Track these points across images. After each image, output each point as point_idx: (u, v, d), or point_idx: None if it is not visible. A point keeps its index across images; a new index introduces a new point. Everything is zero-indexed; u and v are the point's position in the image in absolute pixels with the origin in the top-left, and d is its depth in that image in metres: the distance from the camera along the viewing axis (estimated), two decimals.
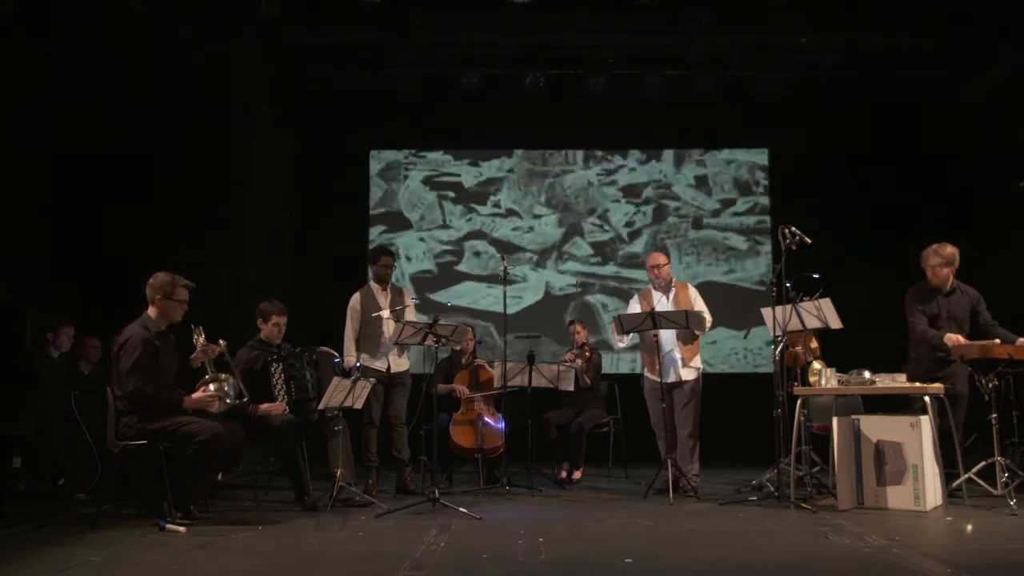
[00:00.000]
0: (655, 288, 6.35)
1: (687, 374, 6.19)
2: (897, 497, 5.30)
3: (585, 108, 9.12)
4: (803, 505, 5.31)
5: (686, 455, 6.11)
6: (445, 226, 9.58)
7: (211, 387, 4.99)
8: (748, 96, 8.84)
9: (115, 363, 4.94)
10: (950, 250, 5.85)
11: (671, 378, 6.15)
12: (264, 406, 5.48)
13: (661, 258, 6.39)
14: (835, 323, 5.67)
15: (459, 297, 9.38)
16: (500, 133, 9.61)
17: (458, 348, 6.86)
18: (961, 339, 5.61)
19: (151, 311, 5.08)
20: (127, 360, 4.87)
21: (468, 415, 6.72)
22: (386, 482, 6.34)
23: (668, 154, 9.65)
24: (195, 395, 4.98)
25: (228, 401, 5.02)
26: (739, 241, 9.50)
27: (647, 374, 6.32)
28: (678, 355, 6.18)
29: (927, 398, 5.35)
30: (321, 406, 5.49)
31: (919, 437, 5.30)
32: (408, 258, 9.48)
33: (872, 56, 8.55)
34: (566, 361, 6.89)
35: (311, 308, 8.60)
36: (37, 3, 6.59)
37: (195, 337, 5.08)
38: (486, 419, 6.68)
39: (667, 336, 6.13)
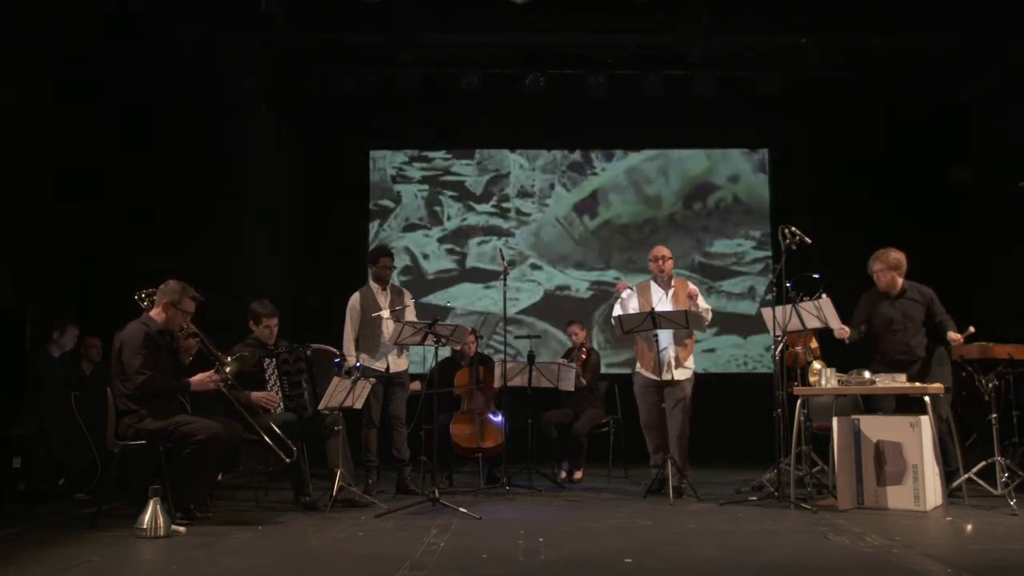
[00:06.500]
0: (656, 282, 6.29)
1: (680, 374, 6.14)
2: (897, 497, 5.30)
3: (585, 108, 9.12)
4: (803, 505, 5.31)
5: (675, 456, 6.08)
6: (445, 226, 9.58)
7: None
8: (748, 96, 8.84)
9: (116, 359, 4.93)
10: (894, 255, 5.93)
11: (665, 376, 6.12)
12: (255, 394, 5.42)
13: (666, 251, 6.31)
14: (835, 323, 5.67)
15: (456, 299, 9.38)
16: (500, 133, 9.61)
17: (458, 348, 6.86)
18: (847, 330, 5.72)
19: (155, 312, 5.08)
20: (132, 355, 4.86)
21: (468, 414, 6.73)
22: (386, 482, 6.34)
23: (668, 154, 9.65)
24: (197, 377, 5.02)
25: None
26: (738, 241, 9.50)
27: (640, 370, 6.28)
28: (673, 354, 6.13)
29: (927, 398, 5.35)
30: (321, 406, 5.47)
31: (919, 437, 5.30)
32: (407, 258, 9.48)
33: (872, 56, 8.54)
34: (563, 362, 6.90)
35: (311, 308, 8.60)
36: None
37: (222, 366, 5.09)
38: (487, 417, 6.68)
39: (664, 334, 6.10)
